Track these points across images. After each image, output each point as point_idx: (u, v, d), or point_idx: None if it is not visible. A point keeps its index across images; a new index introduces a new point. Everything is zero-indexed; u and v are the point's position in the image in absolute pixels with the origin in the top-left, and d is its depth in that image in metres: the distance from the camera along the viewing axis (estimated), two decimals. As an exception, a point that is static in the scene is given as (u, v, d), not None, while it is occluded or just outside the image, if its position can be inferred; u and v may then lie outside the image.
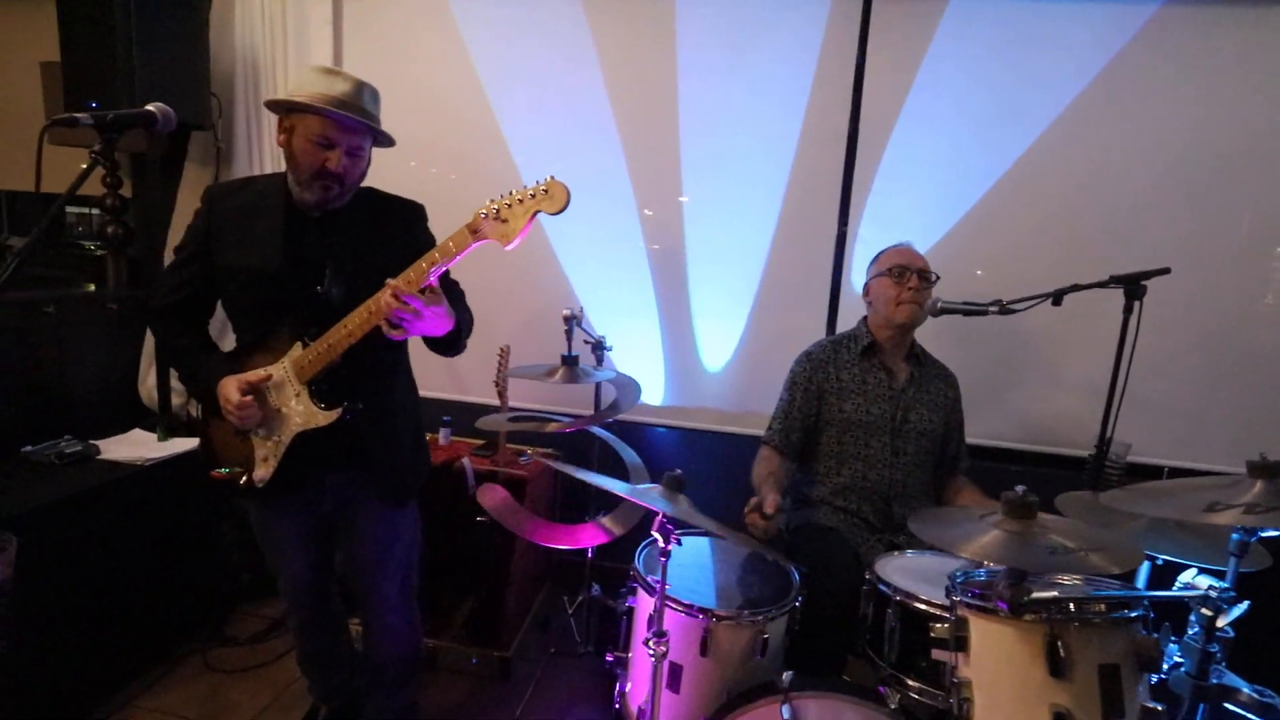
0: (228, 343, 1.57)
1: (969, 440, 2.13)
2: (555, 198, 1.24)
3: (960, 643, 1.17)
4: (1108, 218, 2.30)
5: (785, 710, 1.37)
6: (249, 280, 1.45)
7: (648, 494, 1.34)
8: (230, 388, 1.42)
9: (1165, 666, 1.15)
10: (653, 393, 2.64)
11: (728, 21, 2.43)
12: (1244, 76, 2.17)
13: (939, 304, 1.90)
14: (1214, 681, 1.12)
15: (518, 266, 2.59)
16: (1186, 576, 1.18)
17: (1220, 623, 1.10)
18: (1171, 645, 1.18)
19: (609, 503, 2.31)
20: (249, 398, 1.41)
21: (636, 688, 1.69)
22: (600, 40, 2.51)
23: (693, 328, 2.63)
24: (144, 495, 2.06)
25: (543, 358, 2.24)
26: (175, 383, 2.52)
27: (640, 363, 2.61)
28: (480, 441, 2.56)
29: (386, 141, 1.48)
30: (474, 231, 1.30)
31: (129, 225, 2.44)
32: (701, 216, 2.56)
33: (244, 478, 1.49)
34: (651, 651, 1.37)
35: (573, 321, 2.05)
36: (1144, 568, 1.50)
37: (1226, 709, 1.15)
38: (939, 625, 1.19)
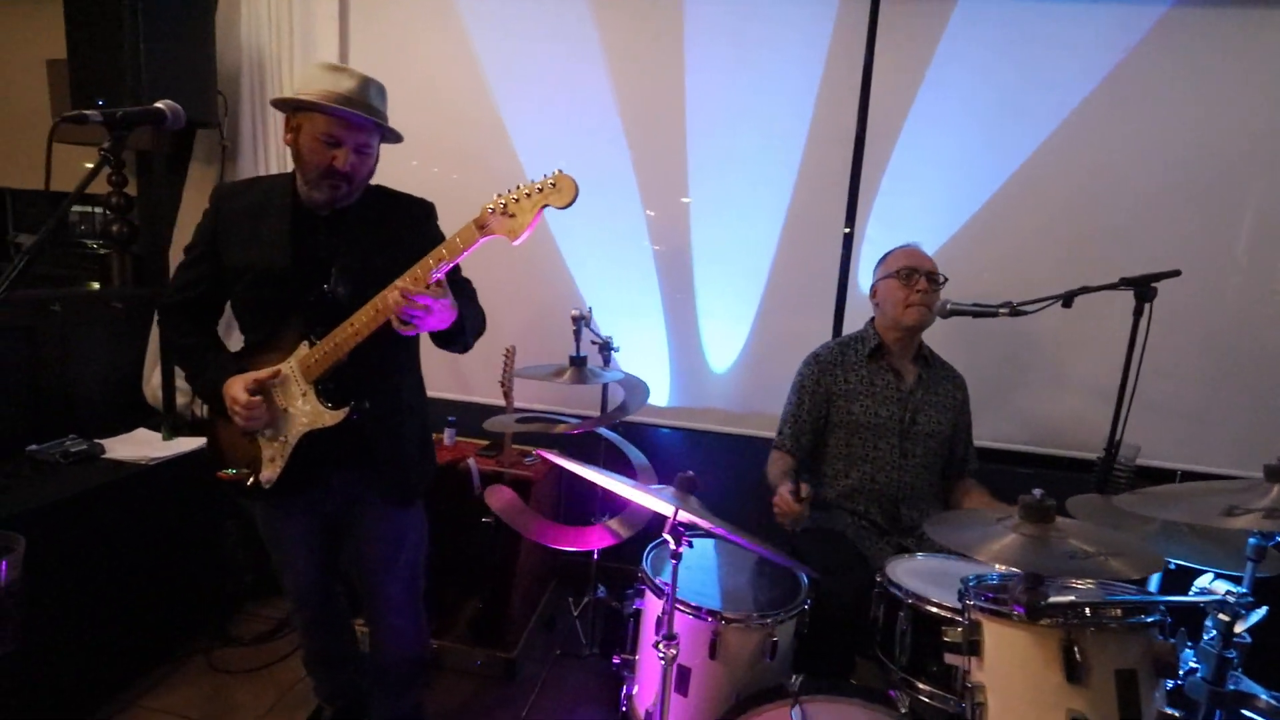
0: (235, 342, 1.56)
1: (976, 442, 2.12)
2: (563, 191, 1.23)
3: (973, 647, 1.16)
4: (1115, 219, 2.29)
5: (795, 714, 1.36)
6: (256, 279, 1.44)
7: (658, 495, 1.33)
8: (236, 387, 1.41)
9: (1181, 672, 1.14)
10: (658, 393, 2.63)
11: (735, 20, 2.43)
12: (1251, 79, 2.16)
13: (948, 305, 1.89)
14: (1231, 688, 1.11)
15: (523, 266, 2.59)
16: (1203, 581, 1.17)
17: (1238, 628, 1.09)
18: (1186, 650, 1.17)
19: (615, 504, 2.31)
20: (257, 398, 1.40)
21: (644, 690, 1.68)
22: (607, 38, 2.50)
23: (698, 328, 2.62)
24: (148, 495, 2.05)
25: (548, 358, 2.24)
26: (180, 382, 2.51)
27: (646, 363, 2.60)
28: (485, 442, 2.56)
29: (394, 138, 1.47)
30: (481, 227, 1.29)
31: (134, 224, 2.45)
32: (708, 216, 2.55)
33: (251, 478, 1.48)
34: (662, 654, 1.36)
35: (581, 322, 2.04)
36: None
37: (1243, 715, 1.14)
38: (952, 629, 1.18)
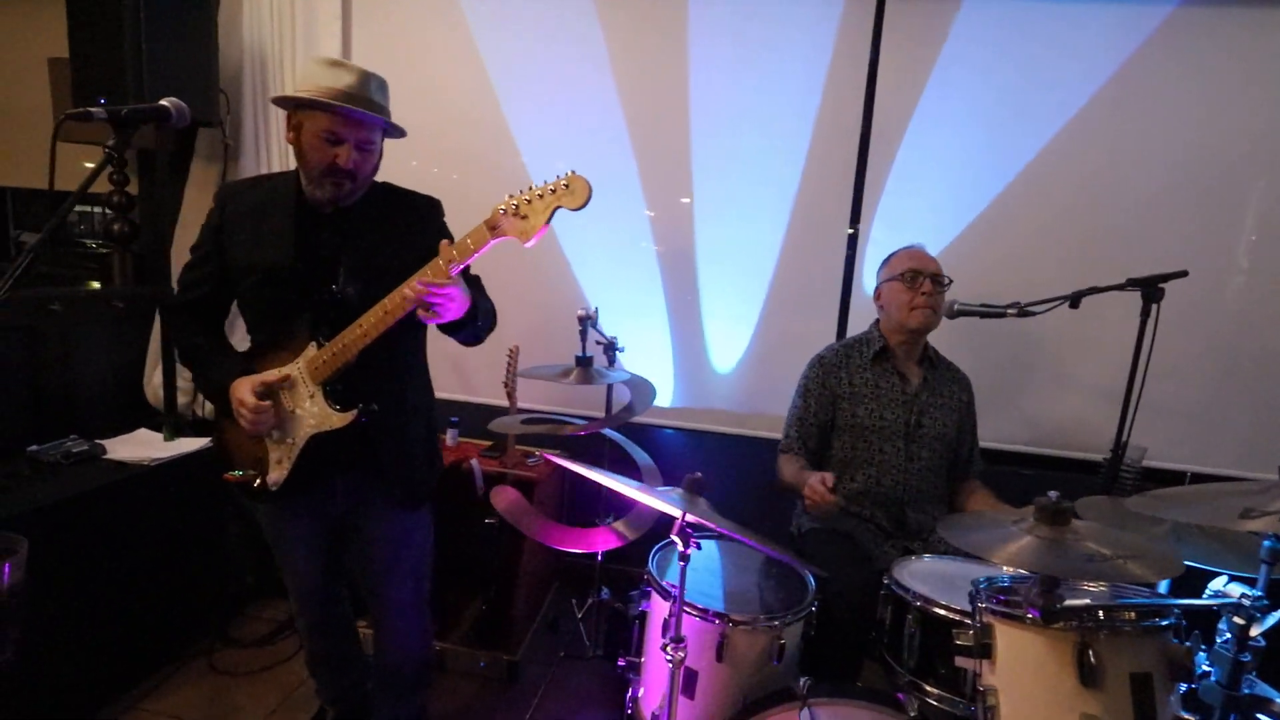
0: (241, 341, 1.55)
1: (980, 443, 2.11)
2: (576, 193, 1.21)
3: (985, 650, 1.15)
4: (1119, 220, 2.29)
5: (804, 716, 1.35)
6: (261, 279, 1.43)
7: (666, 497, 1.32)
8: (244, 389, 1.39)
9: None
10: (662, 394, 2.62)
11: (739, 20, 2.42)
12: (1256, 79, 2.15)
13: (956, 306, 1.89)
14: (1246, 692, 1.10)
15: (526, 266, 2.58)
16: (1217, 584, 1.16)
17: (1253, 632, 1.08)
18: (1199, 654, 1.16)
19: (619, 505, 2.30)
20: (265, 402, 1.39)
21: (650, 693, 1.67)
22: (611, 38, 2.49)
23: (702, 328, 2.61)
24: (150, 495, 2.04)
25: (551, 358, 2.22)
26: (181, 382, 2.50)
27: (649, 364, 2.59)
28: (488, 443, 2.55)
29: (397, 133, 1.45)
30: (493, 228, 1.27)
31: (135, 223, 2.43)
32: (712, 216, 2.55)
33: (257, 480, 1.47)
34: (669, 657, 1.35)
35: (587, 322, 2.02)
36: (1165, 574, 1.48)
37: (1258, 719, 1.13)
38: (964, 632, 1.17)
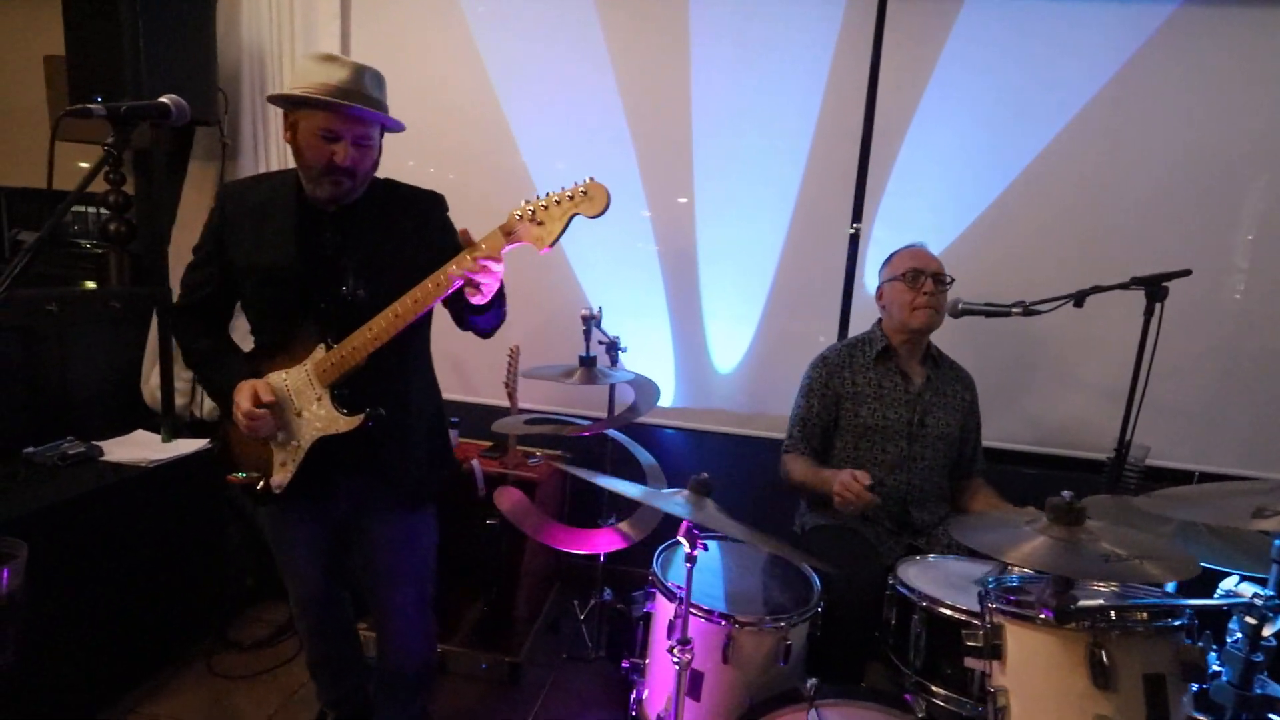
0: (243, 338, 1.54)
1: (983, 442, 2.10)
2: (595, 200, 1.19)
3: (995, 650, 1.14)
4: (1121, 219, 2.29)
5: (812, 718, 1.35)
6: (263, 280, 1.41)
7: (673, 499, 1.31)
8: (243, 395, 1.38)
9: (1204, 676, 1.12)
10: (663, 394, 2.61)
11: (740, 20, 2.41)
12: (1257, 79, 2.16)
13: (960, 306, 1.89)
14: (1258, 692, 1.09)
15: (526, 266, 2.53)
16: (1229, 584, 1.16)
17: (1265, 631, 1.08)
18: (1209, 654, 1.16)
19: (621, 506, 2.29)
20: (262, 410, 1.37)
21: (654, 695, 1.66)
22: (612, 37, 2.48)
23: (704, 328, 2.60)
24: (147, 497, 2.02)
25: (551, 359, 2.21)
26: (179, 383, 2.48)
27: (650, 364, 2.58)
28: (488, 443, 2.53)
29: (395, 127, 1.42)
30: (508, 234, 1.25)
31: (132, 222, 2.41)
32: (713, 216, 2.54)
33: (261, 482, 1.45)
34: (676, 659, 1.34)
35: (591, 322, 2.00)
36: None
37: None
38: (973, 632, 1.16)
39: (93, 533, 1.86)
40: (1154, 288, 1.78)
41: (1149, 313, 1.79)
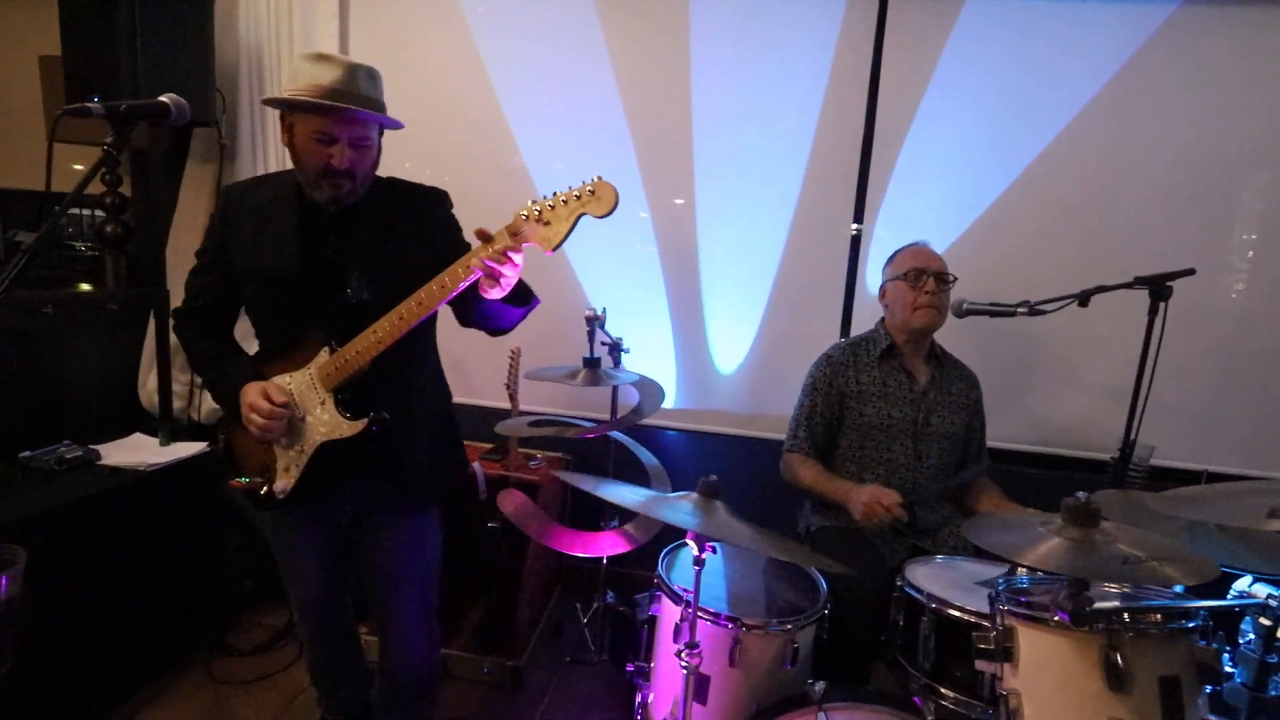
0: (246, 338, 1.52)
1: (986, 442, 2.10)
2: (603, 200, 1.16)
3: (1007, 653, 1.13)
4: (1123, 218, 2.29)
5: (821, 722, 1.33)
6: (266, 283, 1.39)
7: (680, 503, 1.30)
8: (254, 394, 1.36)
9: (1217, 677, 1.11)
10: (665, 395, 2.60)
11: (741, 20, 2.40)
12: (1258, 78, 2.16)
13: (965, 305, 1.88)
14: (1273, 693, 1.09)
15: (526, 266, 2.54)
16: (1242, 584, 1.15)
17: (1280, 633, 1.07)
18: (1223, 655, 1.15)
19: (623, 507, 2.27)
20: (280, 409, 1.35)
21: (659, 698, 1.65)
22: (612, 37, 2.47)
23: (705, 329, 2.59)
24: (145, 502, 2.00)
25: (551, 360, 2.19)
26: (177, 386, 2.45)
27: (652, 365, 2.57)
28: (489, 445, 2.51)
29: (393, 125, 1.39)
30: (514, 234, 1.22)
31: (128, 224, 2.39)
32: (714, 216, 2.53)
33: (264, 488, 1.43)
34: (684, 664, 1.32)
35: (595, 323, 1.98)
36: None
37: (1284, 721, 1.12)
38: (984, 635, 1.15)
39: (90, 537, 1.83)
40: (1158, 287, 1.78)
41: (1153, 312, 1.79)
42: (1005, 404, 2.33)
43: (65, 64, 2.14)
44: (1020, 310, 1.80)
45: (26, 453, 1.95)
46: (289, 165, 1.42)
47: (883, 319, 2.06)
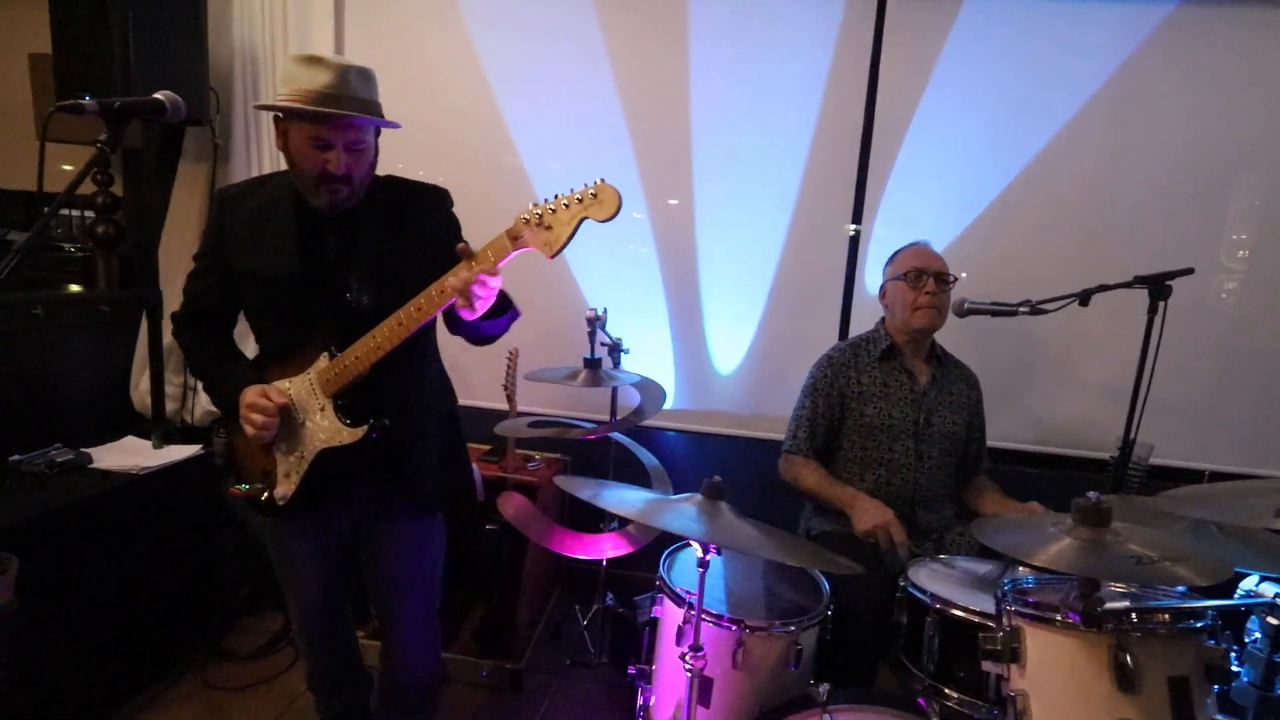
0: (244, 338, 1.50)
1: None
2: (606, 203, 1.13)
3: (1014, 654, 1.13)
4: (1122, 217, 2.29)
5: (826, 724, 1.32)
6: (265, 287, 1.37)
7: (684, 505, 1.29)
8: (253, 394, 1.34)
9: (1224, 676, 1.11)
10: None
11: (740, 19, 2.40)
12: (1256, 77, 2.17)
13: (966, 305, 1.88)
14: (1280, 692, 1.09)
15: (524, 266, 2.51)
16: (1249, 584, 1.15)
17: (1287, 631, 1.07)
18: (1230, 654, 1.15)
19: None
20: (271, 404, 1.33)
21: (662, 701, 1.63)
22: (610, 37, 2.46)
23: (704, 329, 2.58)
24: (139, 505, 1.97)
25: (549, 361, 2.18)
26: (170, 388, 2.43)
27: (651, 365, 2.55)
28: (487, 447, 2.50)
29: (389, 125, 1.36)
30: (514, 239, 1.19)
31: (120, 224, 2.36)
32: (713, 216, 2.52)
33: (265, 494, 1.41)
34: (688, 667, 1.31)
35: (596, 324, 1.97)
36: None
37: (1291, 720, 1.12)
38: (991, 636, 1.14)
39: (82, 542, 1.81)
40: (1158, 286, 1.78)
41: (1152, 311, 1.79)
42: (1005, 403, 2.33)
43: (56, 62, 2.10)
44: (1022, 309, 1.80)
45: (17, 456, 1.92)
46: (284, 164, 1.39)
47: (883, 319, 2.05)
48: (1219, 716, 1.02)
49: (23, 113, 2.46)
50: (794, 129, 2.43)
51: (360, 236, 1.38)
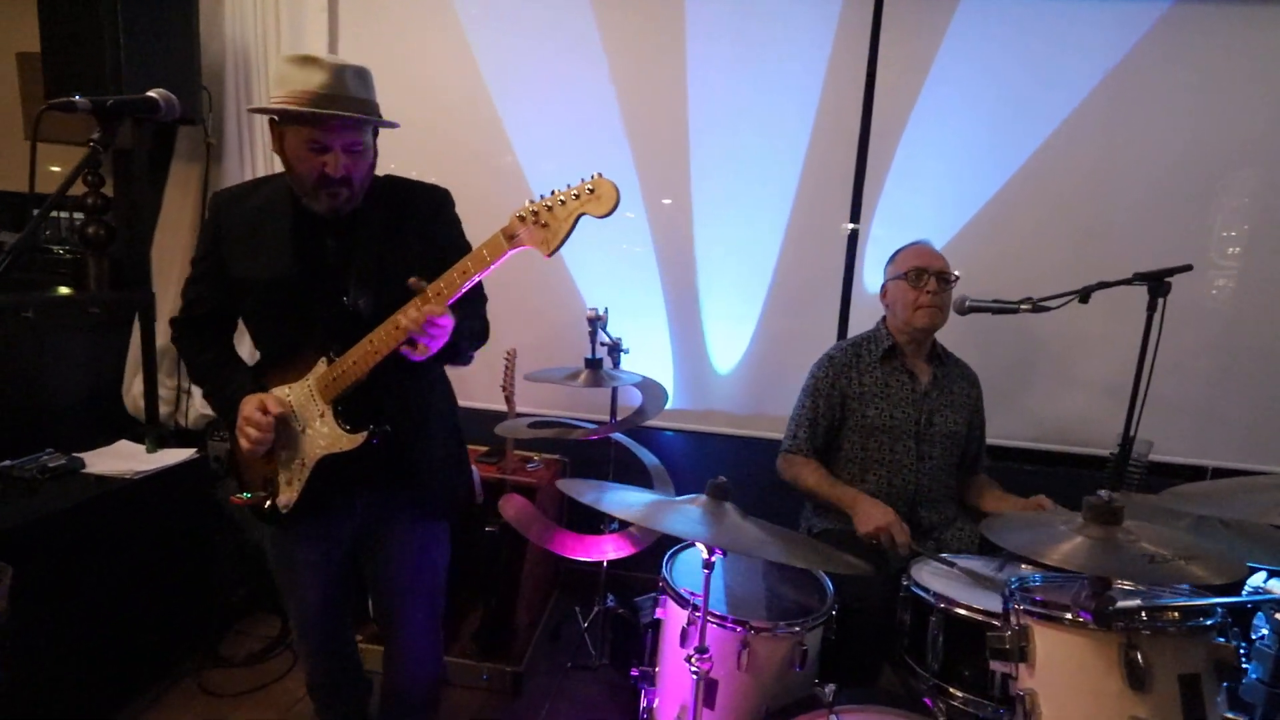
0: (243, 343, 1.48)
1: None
2: (603, 199, 1.11)
3: (1022, 653, 1.12)
4: (1121, 215, 2.30)
5: (833, 725, 1.32)
6: (263, 291, 1.34)
7: (688, 507, 1.28)
8: (250, 407, 1.31)
9: (1232, 673, 1.11)
10: (663, 396, 2.58)
11: (737, 18, 2.39)
12: (1253, 74, 2.18)
13: (967, 303, 1.87)
14: (1289, 688, 1.09)
15: (521, 266, 2.50)
16: (1256, 580, 1.15)
17: (1296, 628, 1.07)
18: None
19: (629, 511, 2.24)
20: (266, 418, 1.30)
21: (665, 703, 1.62)
22: (607, 35, 2.45)
23: (702, 329, 2.57)
24: (133, 510, 1.94)
25: (548, 361, 2.16)
26: (163, 390, 2.40)
27: (649, 365, 2.54)
28: (485, 448, 2.48)
29: (387, 125, 1.34)
30: (510, 237, 1.17)
31: (111, 225, 2.32)
32: (711, 216, 2.51)
33: (268, 502, 1.39)
34: (694, 669, 1.30)
35: (597, 324, 1.95)
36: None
37: (1300, 716, 1.12)
38: (999, 635, 1.14)
39: (76, 548, 1.78)
40: (1157, 283, 1.79)
41: (1151, 308, 1.79)
42: (1004, 401, 2.33)
43: (44, 61, 2.08)
44: (1023, 307, 1.80)
45: (8, 461, 1.89)
46: (279, 164, 1.37)
47: (884, 318, 2.05)
48: (1229, 714, 1.02)
49: (10, 113, 2.42)
50: (792, 128, 2.42)
51: (359, 238, 1.35)
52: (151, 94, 1.21)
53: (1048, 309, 1.79)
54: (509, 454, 2.36)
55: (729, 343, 2.58)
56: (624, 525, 1.96)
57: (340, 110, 1.23)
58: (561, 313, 2.54)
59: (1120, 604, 0.97)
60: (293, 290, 1.32)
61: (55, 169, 2.48)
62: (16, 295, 2.10)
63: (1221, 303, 2.28)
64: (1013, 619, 1.15)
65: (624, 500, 1.35)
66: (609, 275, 2.57)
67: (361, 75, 1.29)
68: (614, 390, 2.10)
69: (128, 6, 2.05)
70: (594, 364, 1.82)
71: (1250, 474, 1.29)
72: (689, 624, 1.46)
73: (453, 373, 2.61)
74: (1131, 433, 1.87)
